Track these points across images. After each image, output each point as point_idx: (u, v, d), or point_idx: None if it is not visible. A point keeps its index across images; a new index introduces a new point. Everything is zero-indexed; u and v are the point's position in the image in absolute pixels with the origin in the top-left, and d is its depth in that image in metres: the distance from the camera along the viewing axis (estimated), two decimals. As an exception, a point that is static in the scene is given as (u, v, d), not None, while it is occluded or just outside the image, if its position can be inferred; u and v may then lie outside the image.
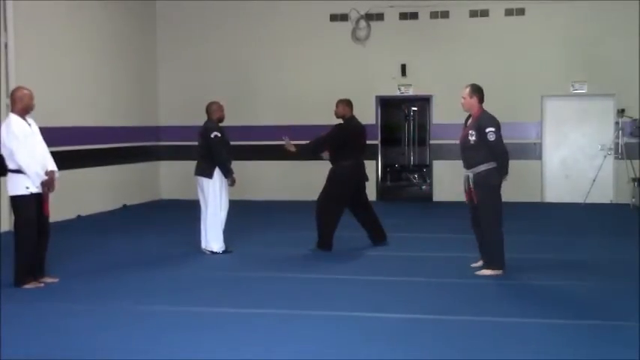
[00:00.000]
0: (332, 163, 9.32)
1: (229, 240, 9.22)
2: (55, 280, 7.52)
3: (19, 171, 7.23)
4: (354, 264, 8.55)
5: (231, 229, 9.40)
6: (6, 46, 11.15)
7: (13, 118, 7.32)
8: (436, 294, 7.09)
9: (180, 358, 5.25)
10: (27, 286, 7.26)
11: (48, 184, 7.34)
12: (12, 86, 11.13)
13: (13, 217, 7.67)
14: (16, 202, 7.32)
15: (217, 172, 8.93)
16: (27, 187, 7.24)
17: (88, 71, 13.32)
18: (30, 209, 7.26)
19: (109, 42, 14.05)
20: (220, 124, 9.11)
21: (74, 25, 12.99)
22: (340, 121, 9.43)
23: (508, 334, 5.71)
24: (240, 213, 10.02)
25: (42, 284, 7.37)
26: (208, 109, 9.16)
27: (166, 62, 15.83)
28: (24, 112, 7.40)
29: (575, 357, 5.19)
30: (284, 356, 5.26)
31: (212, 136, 8.90)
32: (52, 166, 7.48)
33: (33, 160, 7.25)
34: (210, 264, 8.64)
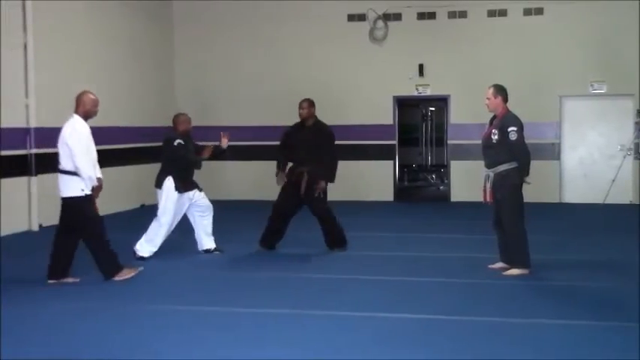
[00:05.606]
0: (306, 165, 9.01)
1: (234, 240, 9.18)
2: (77, 280, 7.53)
3: (72, 172, 7.29)
4: (368, 264, 8.52)
5: (239, 230, 9.37)
6: (25, 46, 11.23)
7: (78, 119, 7.41)
8: (452, 294, 7.06)
9: (192, 357, 5.25)
10: (119, 277, 7.44)
11: (98, 191, 7.45)
12: (32, 86, 11.26)
13: (60, 218, 7.64)
14: (76, 203, 7.37)
15: (169, 186, 8.82)
16: (82, 190, 7.32)
17: (107, 71, 13.39)
18: (93, 206, 7.40)
19: (126, 43, 14.11)
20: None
21: (92, 25, 13.06)
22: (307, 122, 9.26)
23: (524, 335, 5.68)
24: (251, 212, 10.03)
25: (77, 279, 7.49)
26: (175, 121, 9.12)
27: (184, 63, 15.88)
28: (86, 116, 7.48)
29: (587, 357, 5.16)
30: (295, 356, 5.24)
31: (175, 143, 8.86)
32: (99, 172, 7.56)
33: (89, 164, 7.32)
34: (220, 264, 8.65)
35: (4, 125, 10.77)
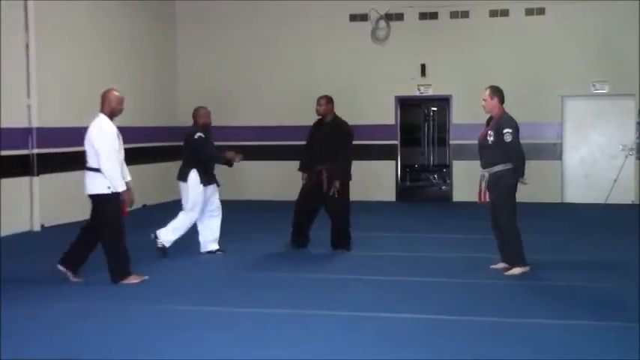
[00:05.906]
0: (325, 162, 8.96)
1: (236, 240, 9.20)
2: (80, 280, 7.53)
3: (98, 169, 7.27)
4: (370, 264, 8.53)
5: (241, 229, 9.38)
6: (27, 46, 11.25)
7: (104, 119, 7.36)
8: (453, 295, 7.06)
9: (193, 357, 5.26)
10: (126, 282, 7.38)
11: (130, 199, 7.45)
12: (33, 86, 11.28)
13: (91, 216, 7.62)
14: (101, 200, 7.34)
15: (195, 179, 8.85)
16: (108, 187, 7.29)
17: (108, 71, 13.38)
18: (117, 206, 7.35)
19: (128, 42, 14.13)
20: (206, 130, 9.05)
21: (94, 25, 13.07)
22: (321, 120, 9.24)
23: (524, 335, 5.68)
24: (252, 212, 10.05)
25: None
26: (195, 114, 9.11)
27: (186, 62, 15.89)
28: (111, 114, 7.42)
29: (587, 357, 5.16)
30: (295, 356, 5.25)
31: (196, 137, 8.88)
32: (127, 175, 7.52)
33: (115, 166, 7.28)
34: (223, 264, 8.65)
35: (6, 125, 10.78)
